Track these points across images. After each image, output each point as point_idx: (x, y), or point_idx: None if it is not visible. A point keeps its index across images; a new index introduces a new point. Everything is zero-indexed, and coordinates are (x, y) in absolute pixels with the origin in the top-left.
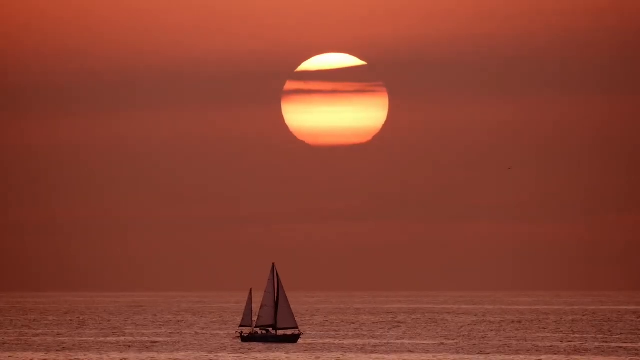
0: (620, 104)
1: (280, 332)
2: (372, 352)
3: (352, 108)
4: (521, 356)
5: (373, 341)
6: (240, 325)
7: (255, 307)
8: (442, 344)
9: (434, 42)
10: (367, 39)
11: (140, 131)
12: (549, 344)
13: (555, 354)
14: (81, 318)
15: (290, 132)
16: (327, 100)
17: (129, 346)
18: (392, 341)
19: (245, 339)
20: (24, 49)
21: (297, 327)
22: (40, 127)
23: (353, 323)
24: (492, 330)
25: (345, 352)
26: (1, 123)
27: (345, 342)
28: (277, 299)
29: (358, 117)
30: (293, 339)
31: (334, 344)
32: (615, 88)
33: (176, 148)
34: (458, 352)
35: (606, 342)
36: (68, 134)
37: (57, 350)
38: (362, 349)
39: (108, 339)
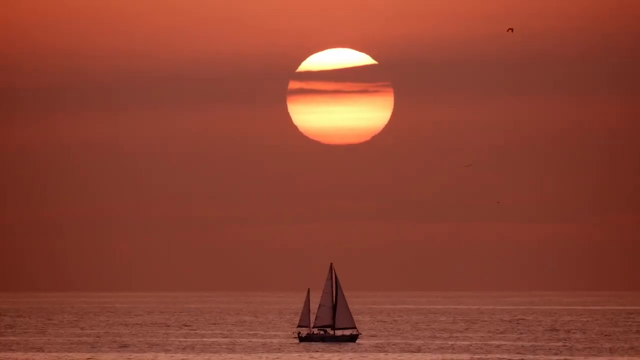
0: (629, 104)
1: (338, 332)
2: (429, 352)
3: (355, 108)
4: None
5: (431, 342)
6: (298, 326)
7: (313, 307)
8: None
9: (444, 43)
10: (378, 38)
11: (141, 131)
12: None
13: None
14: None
15: (300, 132)
16: (334, 100)
17: (188, 347)
18: (443, 341)
19: (303, 339)
20: (16, 50)
21: (355, 327)
22: (32, 128)
23: (408, 323)
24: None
25: (404, 353)
26: None
27: (404, 342)
28: (335, 299)
29: (360, 117)
30: (351, 339)
31: (393, 343)
32: (624, 89)
33: (177, 148)
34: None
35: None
36: (60, 135)
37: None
38: (419, 349)
39: (155, 339)
